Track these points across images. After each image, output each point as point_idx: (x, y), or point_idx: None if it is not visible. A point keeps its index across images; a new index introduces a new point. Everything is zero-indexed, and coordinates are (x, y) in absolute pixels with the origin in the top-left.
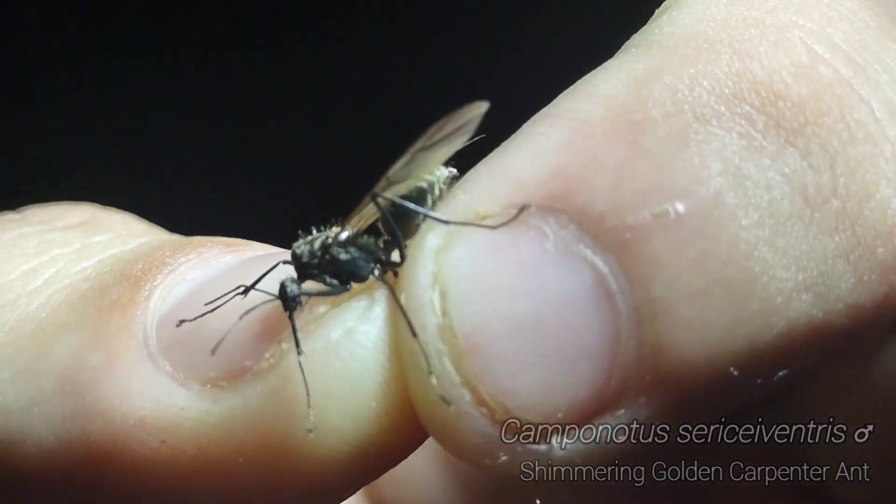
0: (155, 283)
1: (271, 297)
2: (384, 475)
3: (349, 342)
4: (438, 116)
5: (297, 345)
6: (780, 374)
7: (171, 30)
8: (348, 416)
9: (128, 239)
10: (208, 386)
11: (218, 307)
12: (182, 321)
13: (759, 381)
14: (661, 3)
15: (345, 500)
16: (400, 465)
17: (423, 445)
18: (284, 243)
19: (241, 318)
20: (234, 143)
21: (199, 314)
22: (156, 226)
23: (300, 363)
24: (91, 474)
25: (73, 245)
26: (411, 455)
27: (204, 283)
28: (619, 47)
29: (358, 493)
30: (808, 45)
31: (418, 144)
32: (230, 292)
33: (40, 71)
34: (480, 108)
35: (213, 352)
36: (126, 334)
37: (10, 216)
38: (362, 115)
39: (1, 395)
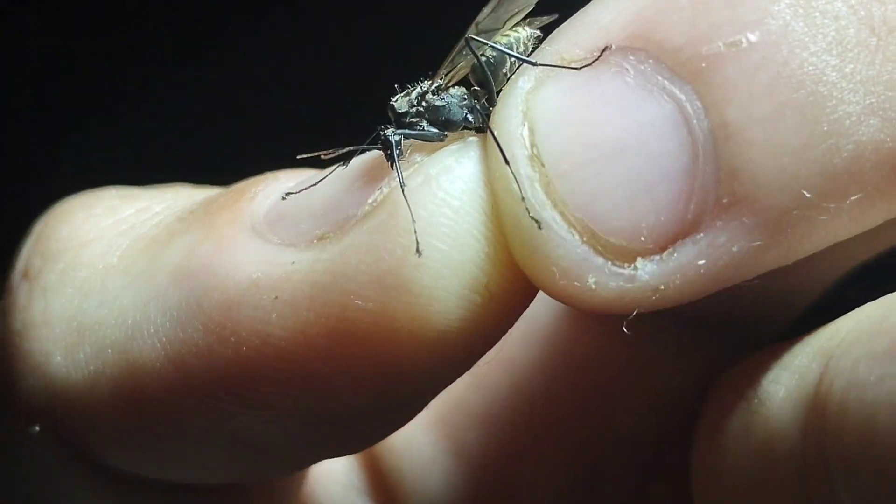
0: (258, 189)
1: (374, 148)
2: (381, 444)
3: (448, 175)
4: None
5: (401, 181)
6: (853, 198)
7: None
8: (452, 241)
9: None
10: (315, 241)
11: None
12: (288, 193)
13: (833, 205)
14: None
15: (462, 368)
16: (397, 435)
17: (421, 415)
18: None
19: (339, 162)
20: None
21: (306, 186)
22: None
23: (404, 196)
24: (209, 351)
25: (180, 195)
26: (408, 425)
27: (301, 183)
28: None
29: (356, 464)
30: None
31: None
32: (332, 163)
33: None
34: None
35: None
36: (235, 223)
37: (122, 187)
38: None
39: (118, 300)
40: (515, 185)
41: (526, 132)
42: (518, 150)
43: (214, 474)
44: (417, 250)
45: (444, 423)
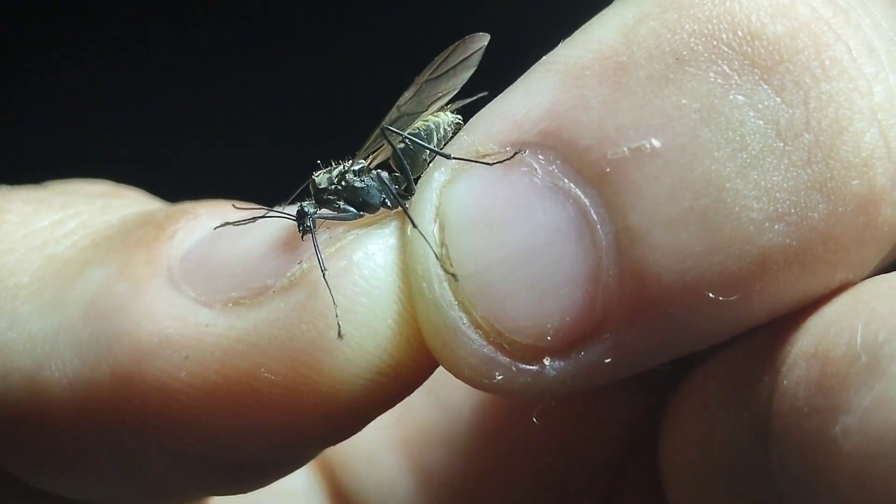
0: (178, 226)
1: (289, 217)
2: (344, 464)
3: (369, 263)
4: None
5: (321, 262)
6: (759, 298)
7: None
8: (368, 330)
9: (146, 203)
10: (230, 305)
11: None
12: (219, 226)
13: (739, 306)
14: None
15: (355, 432)
16: (360, 455)
17: (381, 434)
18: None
19: (260, 217)
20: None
21: (223, 224)
22: (163, 200)
23: (325, 278)
24: (115, 395)
25: (96, 204)
26: (370, 444)
27: (223, 226)
28: None
29: (317, 484)
30: None
31: (425, 75)
32: (252, 218)
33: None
34: (482, 40)
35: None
36: (151, 265)
37: (34, 187)
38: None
39: (28, 325)
40: (425, 284)
41: (437, 229)
42: (428, 249)
43: (127, 498)
44: (339, 335)
45: (408, 444)
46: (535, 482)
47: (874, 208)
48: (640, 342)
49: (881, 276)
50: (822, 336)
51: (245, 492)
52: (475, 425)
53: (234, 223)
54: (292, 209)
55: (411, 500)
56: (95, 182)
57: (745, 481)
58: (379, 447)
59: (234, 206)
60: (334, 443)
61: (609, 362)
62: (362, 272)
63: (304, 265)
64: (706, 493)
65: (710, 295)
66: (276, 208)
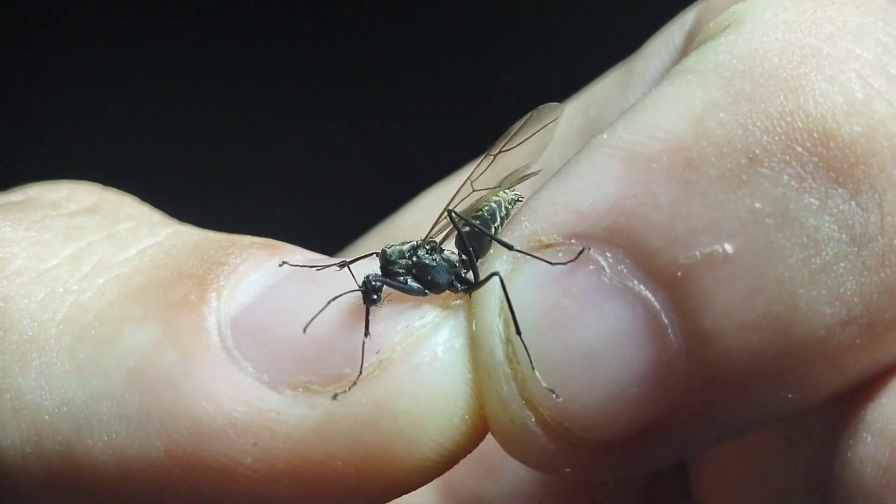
0: (220, 284)
1: (355, 289)
2: None
3: (450, 358)
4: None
5: (367, 329)
6: (827, 389)
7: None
8: (446, 425)
9: (154, 228)
10: (300, 390)
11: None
12: (307, 325)
13: (805, 401)
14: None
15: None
16: None
17: None
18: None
19: (328, 302)
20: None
21: (311, 318)
22: (157, 209)
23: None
24: (169, 473)
25: (102, 232)
26: None
27: (270, 287)
28: None
29: None
30: (863, 78)
31: (499, 146)
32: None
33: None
34: (557, 110)
35: (305, 329)
36: (201, 332)
37: (12, 197)
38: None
39: (62, 388)
40: (492, 381)
41: (502, 325)
42: (495, 346)
43: None
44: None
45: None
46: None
47: None
48: (704, 433)
49: None
50: (891, 414)
51: None
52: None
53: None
54: (354, 272)
55: None
56: (81, 186)
57: None
58: None
59: (280, 263)
60: None
61: (672, 450)
62: (445, 369)
63: (383, 356)
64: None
65: (778, 392)
66: (333, 275)
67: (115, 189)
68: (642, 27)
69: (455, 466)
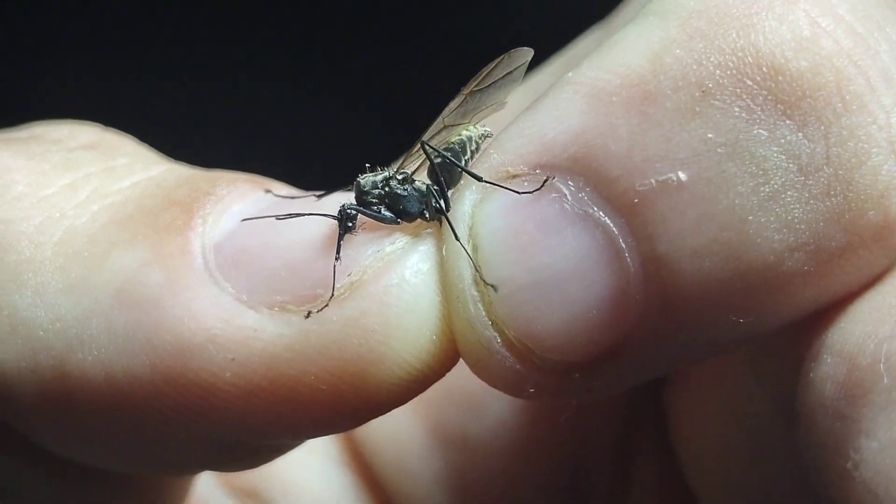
0: (206, 211)
1: (330, 216)
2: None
3: (418, 280)
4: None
5: (338, 252)
6: (778, 316)
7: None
8: (414, 346)
9: (149, 164)
10: (276, 309)
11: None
12: (248, 218)
13: (759, 326)
14: None
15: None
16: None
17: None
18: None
19: (296, 216)
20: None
21: (279, 217)
22: (154, 150)
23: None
24: (153, 387)
25: (99, 165)
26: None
27: (252, 216)
28: None
29: (335, 444)
30: (811, 17)
31: (470, 86)
32: (294, 213)
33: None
34: (527, 54)
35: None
36: (186, 255)
37: (17, 134)
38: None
39: (55, 305)
40: (460, 304)
41: (471, 250)
42: (464, 269)
43: (143, 467)
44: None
45: (424, 403)
46: (547, 451)
47: (889, 234)
48: (662, 357)
49: None
50: (848, 335)
51: (258, 466)
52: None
53: (268, 217)
54: (330, 203)
55: (427, 460)
56: (83, 126)
57: (772, 457)
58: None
59: (265, 190)
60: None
61: (632, 373)
62: (414, 290)
63: (354, 277)
64: (730, 468)
65: (732, 317)
66: (312, 205)
67: (115, 129)
68: None
69: (443, 406)
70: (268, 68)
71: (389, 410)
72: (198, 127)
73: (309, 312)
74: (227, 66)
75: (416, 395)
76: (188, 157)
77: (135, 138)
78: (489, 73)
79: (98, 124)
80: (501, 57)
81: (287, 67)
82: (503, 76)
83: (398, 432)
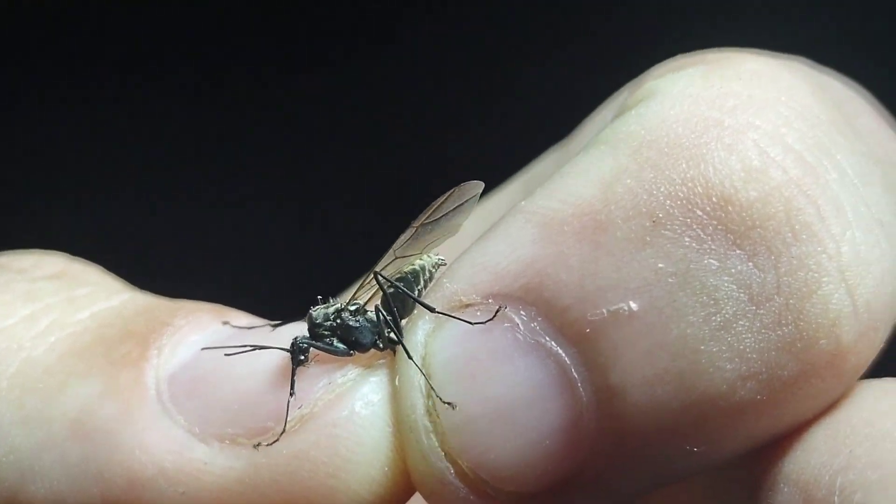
0: (162, 343)
1: (282, 350)
2: None
3: (368, 413)
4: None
5: (292, 386)
6: (733, 445)
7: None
8: (365, 479)
9: (111, 294)
10: (227, 442)
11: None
12: (206, 348)
13: (713, 455)
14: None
15: None
16: None
17: None
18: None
19: (250, 348)
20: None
21: (229, 352)
22: (121, 279)
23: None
24: None
25: (61, 295)
26: None
27: (208, 346)
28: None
29: None
30: (760, 147)
31: (421, 219)
32: (245, 346)
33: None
34: (477, 187)
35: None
36: (139, 387)
37: None
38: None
39: (10, 437)
40: (413, 435)
41: (423, 380)
42: (416, 398)
43: None
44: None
45: None
46: None
47: (841, 361)
48: (616, 486)
49: (868, 386)
50: (804, 465)
51: None
52: None
53: (222, 348)
54: (284, 334)
55: None
56: (48, 256)
57: None
58: None
59: (223, 322)
60: None
61: (588, 501)
62: (364, 422)
63: (305, 410)
64: None
65: (686, 446)
66: (266, 336)
67: (82, 259)
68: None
69: None
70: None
71: None
72: (180, 252)
73: (259, 445)
74: (211, 188)
75: None
76: (168, 283)
77: (101, 267)
78: (439, 206)
79: (64, 254)
80: (452, 190)
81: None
82: (454, 209)
83: None
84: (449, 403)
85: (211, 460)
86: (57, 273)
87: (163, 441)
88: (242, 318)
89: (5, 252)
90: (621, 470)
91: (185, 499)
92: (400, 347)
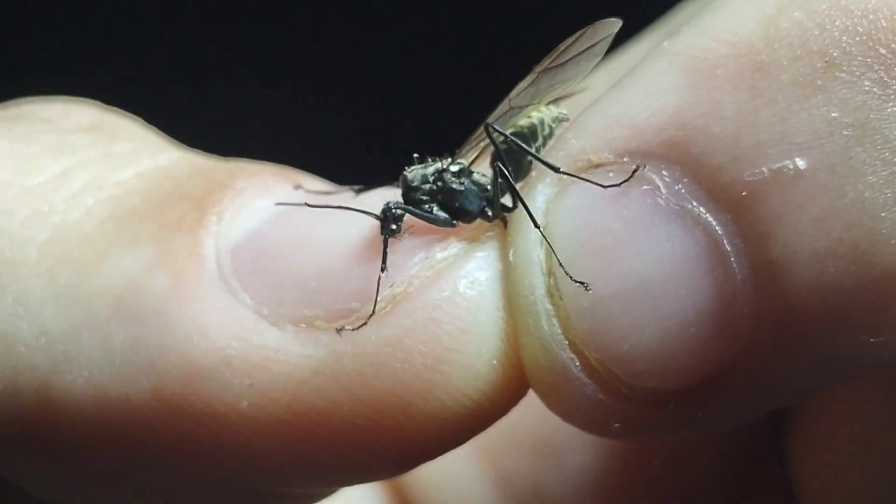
0: (222, 207)
1: (372, 214)
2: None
3: (475, 293)
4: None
5: (384, 261)
6: None
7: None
8: (470, 373)
9: (157, 151)
10: (303, 326)
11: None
12: (280, 203)
13: (891, 344)
14: None
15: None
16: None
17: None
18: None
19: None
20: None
21: (311, 206)
22: (164, 134)
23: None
24: (154, 418)
25: (98, 150)
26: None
27: (279, 213)
28: None
29: (376, 486)
30: None
31: (544, 64)
32: (330, 206)
33: None
34: (613, 26)
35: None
36: (196, 257)
37: (4, 112)
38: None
39: (40, 315)
40: (531, 320)
41: (543, 256)
42: (535, 278)
43: None
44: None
45: (489, 449)
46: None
47: None
48: (776, 385)
49: None
50: None
51: None
52: (571, 430)
53: (300, 205)
54: (371, 200)
55: None
56: (79, 105)
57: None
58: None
59: (294, 186)
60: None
61: (739, 405)
62: (469, 305)
63: (398, 289)
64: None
65: (861, 336)
66: (350, 201)
67: (117, 109)
68: None
69: (511, 451)
70: (287, 65)
71: (441, 454)
72: (213, 119)
73: (342, 329)
74: (244, 60)
75: (475, 434)
76: (201, 147)
77: (140, 120)
78: (568, 47)
79: (98, 102)
80: (585, 29)
81: (307, 63)
82: (584, 50)
83: (455, 482)
84: (581, 283)
85: (283, 347)
86: (90, 124)
87: (226, 323)
88: (315, 182)
89: (28, 99)
90: (782, 366)
91: (252, 393)
92: (514, 216)
